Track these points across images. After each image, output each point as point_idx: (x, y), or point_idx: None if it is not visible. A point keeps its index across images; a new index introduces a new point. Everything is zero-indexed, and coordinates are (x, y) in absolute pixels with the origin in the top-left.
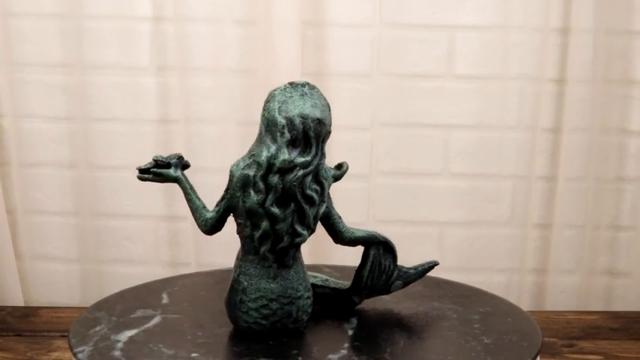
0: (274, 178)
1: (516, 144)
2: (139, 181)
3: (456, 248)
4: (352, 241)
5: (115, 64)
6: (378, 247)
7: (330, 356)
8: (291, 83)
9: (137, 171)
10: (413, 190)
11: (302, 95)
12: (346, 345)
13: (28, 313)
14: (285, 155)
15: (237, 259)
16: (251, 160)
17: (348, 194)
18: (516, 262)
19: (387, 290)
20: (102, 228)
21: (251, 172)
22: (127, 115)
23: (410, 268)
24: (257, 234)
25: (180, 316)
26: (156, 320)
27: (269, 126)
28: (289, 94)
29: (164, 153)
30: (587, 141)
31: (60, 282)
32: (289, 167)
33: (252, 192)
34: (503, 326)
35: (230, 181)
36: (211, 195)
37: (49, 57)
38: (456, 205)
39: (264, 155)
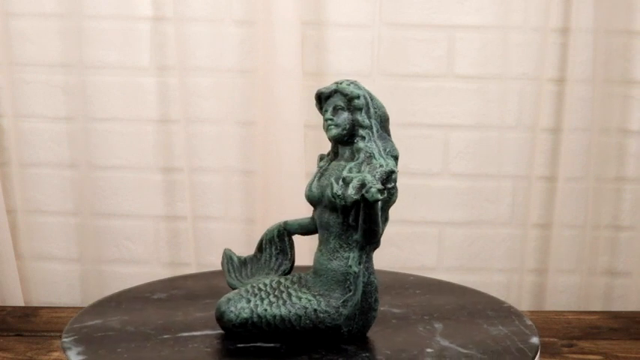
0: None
1: (516, 144)
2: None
3: (455, 248)
4: None
5: (115, 64)
6: None
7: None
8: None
9: (378, 194)
10: (413, 190)
11: None
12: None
13: (28, 313)
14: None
15: (357, 265)
16: (390, 157)
17: None
18: (516, 262)
19: None
20: (102, 228)
21: (394, 168)
22: (127, 115)
23: None
24: (385, 226)
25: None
26: None
27: (383, 122)
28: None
29: (164, 153)
30: (587, 141)
31: (60, 282)
32: None
33: (395, 185)
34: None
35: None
36: (211, 194)
37: (49, 57)
38: (455, 205)
39: (396, 149)
